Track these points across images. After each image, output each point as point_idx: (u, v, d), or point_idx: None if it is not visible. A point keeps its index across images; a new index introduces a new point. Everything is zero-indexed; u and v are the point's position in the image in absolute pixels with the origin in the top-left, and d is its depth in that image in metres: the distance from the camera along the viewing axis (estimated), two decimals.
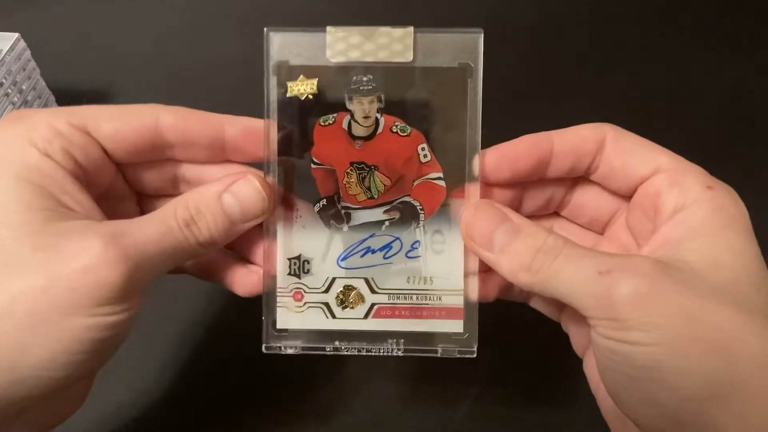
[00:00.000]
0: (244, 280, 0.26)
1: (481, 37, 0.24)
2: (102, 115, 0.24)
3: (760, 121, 0.48)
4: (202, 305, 0.37)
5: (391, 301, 0.26)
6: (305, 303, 0.26)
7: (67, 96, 0.49)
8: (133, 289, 0.21)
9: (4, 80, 0.42)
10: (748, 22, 0.57)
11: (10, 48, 0.42)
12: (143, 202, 0.27)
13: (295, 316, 0.26)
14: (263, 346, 0.26)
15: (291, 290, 0.26)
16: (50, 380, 0.20)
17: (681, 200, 0.22)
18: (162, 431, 0.33)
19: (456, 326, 0.26)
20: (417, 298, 0.26)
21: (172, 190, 0.27)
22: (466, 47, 0.24)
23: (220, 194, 0.24)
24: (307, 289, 0.26)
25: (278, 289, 0.26)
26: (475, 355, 0.26)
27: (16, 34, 0.43)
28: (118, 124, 0.24)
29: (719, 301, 0.19)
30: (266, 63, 0.25)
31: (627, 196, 0.25)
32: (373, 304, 0.26)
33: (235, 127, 0.25)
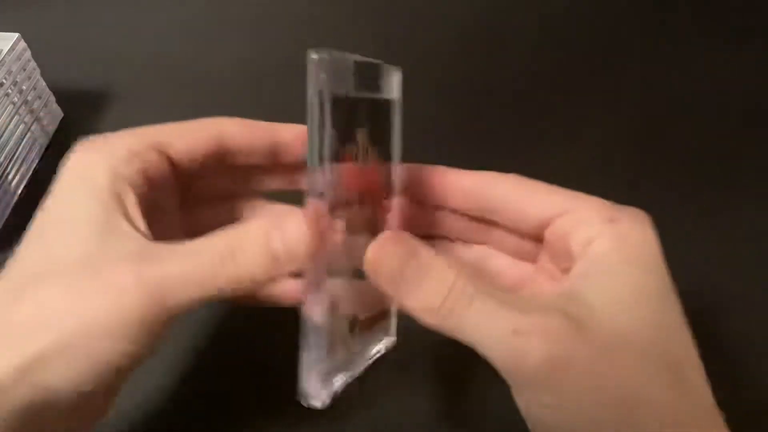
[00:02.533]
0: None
1: (399, 74, 0.25)
2: (174, 133, 0.25)
3: (761, 122, 0.48)
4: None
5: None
6: None
7: (67, 96, 0.49)
8: (157, 326, 0.21)
9: (4, 80, 0.42)
10: (748, 21, 0.57)
11: (10, 48, 0.42)
12: (188, 206, 0.28)
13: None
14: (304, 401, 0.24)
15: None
16: (59, 404, 0.20)
17: (587, 236, 0.22)
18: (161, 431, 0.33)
19: None
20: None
21: (222, 192, 0.29)
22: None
23: (266, 230, 0.22)
24: None
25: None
26: None
27: (16, 34, 0.43)
28: (189, 140, 0.25)
29: (622, 351, 0.19)
30: (319, 93, 0.21)
31: (537, 239, 0.25)
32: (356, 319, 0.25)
33: (290, 132, 0.27)
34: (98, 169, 0.23)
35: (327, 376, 0.23)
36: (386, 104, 0.25)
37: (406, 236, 0.22)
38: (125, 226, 0.22)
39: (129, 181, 0.23)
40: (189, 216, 0.28)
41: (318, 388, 0.23)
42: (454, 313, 0.20)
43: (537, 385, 0.19)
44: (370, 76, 0.23)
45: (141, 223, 0.23)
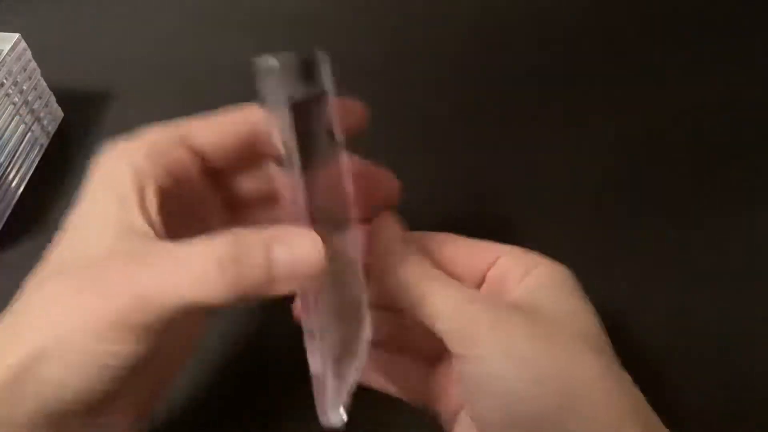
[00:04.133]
0: None
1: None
2: (199, 126, 0.24)
3: (762, 127, 0.48)
4: None
5: None
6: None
7: (67, 96, 0.49)
8: (144, 329, 0.20)
9: (4, 81, 0.42)
10: (747, 26, 0.57)
11: (10, 48, 0.42)
12: (234, 207, 0.27)
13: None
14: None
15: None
16: (72, 403, 0.20)
17: (526, 269, 0.25)
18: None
19: None
20: None
21: (266, 192, 0.27)
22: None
23: (269, 242, 0.20)
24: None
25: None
26: None
27: (17, 35, 0.43)
28: (217, 132, 0.24)
29: (562, 329, 0.23)
30: (274, 100, 0.20)
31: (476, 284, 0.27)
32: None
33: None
34: (120, 167, 0.22)
35: (337, 399, 0.24)
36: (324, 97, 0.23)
37: (397, 223, 0.26)
38: (138, 222, 0.21)
39: (151, 177, 0.22)
40: (236, 217, 0.27)
41: (333, 414, 0.24)
42: (422, 284, 0.24)
43: (485, 350, 0.22)
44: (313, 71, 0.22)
45: (154, 216, 0.22)
